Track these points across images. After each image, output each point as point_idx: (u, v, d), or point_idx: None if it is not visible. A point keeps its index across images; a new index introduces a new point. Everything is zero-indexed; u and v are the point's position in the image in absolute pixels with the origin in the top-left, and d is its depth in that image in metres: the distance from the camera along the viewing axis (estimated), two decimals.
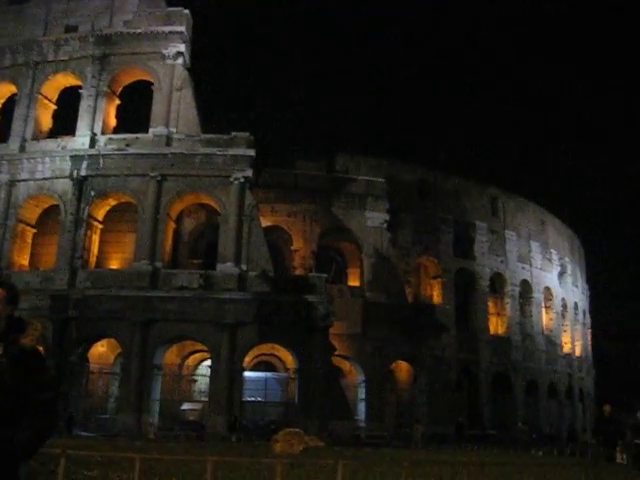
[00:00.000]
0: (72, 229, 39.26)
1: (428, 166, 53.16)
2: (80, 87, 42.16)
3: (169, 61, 41.48)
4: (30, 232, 41.98)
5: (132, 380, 36.61)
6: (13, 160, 40.62)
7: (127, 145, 40.44)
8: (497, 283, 53.49)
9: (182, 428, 37.45)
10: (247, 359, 39.30)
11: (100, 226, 41.57)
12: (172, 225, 41.43)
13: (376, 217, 45.57)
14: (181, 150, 39.82)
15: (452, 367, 47.46)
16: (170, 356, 40.63)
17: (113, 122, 43.04)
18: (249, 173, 39.48)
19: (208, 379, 38.94)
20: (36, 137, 41.78)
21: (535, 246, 56.93)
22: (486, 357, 49.92)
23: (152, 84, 41.76)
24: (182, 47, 41.78)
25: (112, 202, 41.51)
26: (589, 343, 66.97)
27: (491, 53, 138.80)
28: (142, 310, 36.98)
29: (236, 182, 39.23)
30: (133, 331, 37.03)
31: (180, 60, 41.70)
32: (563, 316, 60.18)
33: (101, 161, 39.99)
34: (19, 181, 40.68)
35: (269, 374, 43.88)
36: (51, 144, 41.31)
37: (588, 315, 67.73)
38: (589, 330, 67.34)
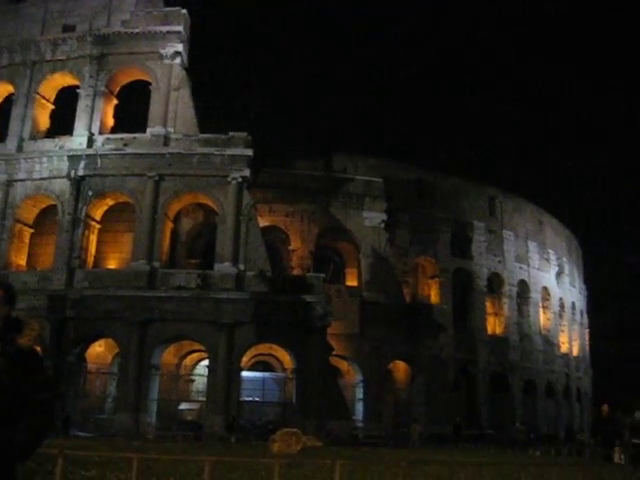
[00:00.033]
0: (70, 229, 39.22)
1: (426, 166, 53.23)
2: (78, 87, 42.11)
3: (167, 61, 41.46)
4: (28, 232, 41.94)
5: (130, 380, 36.58)
6: (10, 160, 40.56)
7: (125, 145, 40.41)
8: (495, 283, 53.52)
9: (180, 428, 37.42)
10: (245, 359, 39.28)
11: (98, 226, 41.54)
12: (170, 225, 41.41)
13: (374, 217, 45.61)
14: (179, 150, 39.80)
15: (450, 367, 47.50)
16: (168, 356, 40.61)
17: (111, 122, 43.00)
18: (247, 173, 39.47)
19: (206, 379, 38.93)
20: (33, 137, 41.73)
21: (533, 246, 56.99)
22: (484, 357, 49.96)
23: (150, 84, 41.72)
24: (180, 47, 41.75)
25: (110, 202, 41.48)
26: (586, 343, 67.08)
27: (491, 53, 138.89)
28: (140, 310, 36.95)
29: (234, 182, 39.22)
30: (131, 331, 37.00)
31: (178, 60, 41.68)
32: (560, 316, 60.25)
33: (99, 161, 39.94)
34: (16, 181, 40.62)
35: (267, 374, 43.87)
36: (49, 144, 41.25)
37: (585, 315, 67.84)
38: (586, 330, 67.46)
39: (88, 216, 40.18)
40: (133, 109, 44.40)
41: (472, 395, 48.92)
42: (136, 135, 40.85)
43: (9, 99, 43.03)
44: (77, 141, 40.61)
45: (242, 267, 38.25)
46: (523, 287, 55.46)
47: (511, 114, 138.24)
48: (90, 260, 40.57)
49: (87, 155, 39.91)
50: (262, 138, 43.40)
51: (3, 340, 4.19)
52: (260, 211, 42.40)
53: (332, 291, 41.62)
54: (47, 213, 41.73)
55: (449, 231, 50.32)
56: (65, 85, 43.44)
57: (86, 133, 40.56)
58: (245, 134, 40.27)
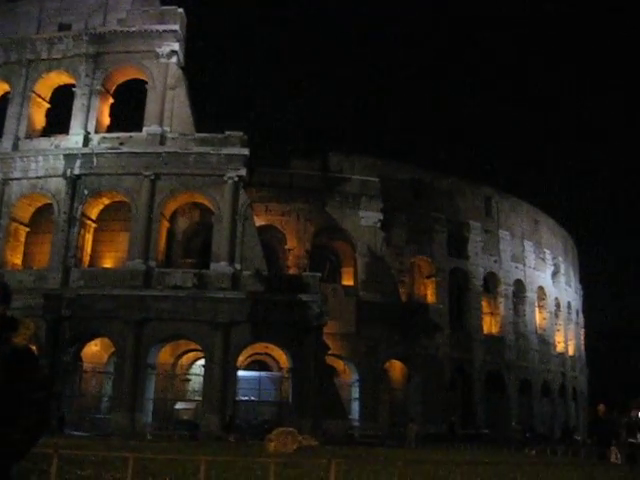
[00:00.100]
0: (65, 228, 39.14)
1: (422, 166, 53.22)
2: (74, 85, 42.02)
3: (163, 60, 41.39)
4: (23, 231, 41.85)
5: (125, 379, 36.53)
6: (6, 159, 40.47)
7: (121, 144, 40.35)
8: (491, 283, 53.61)
9: (176, 427, 37.39)
10: (241, 358, 39.28)
11: (94, 225, 41.46)
12: (166, 224, 41.35)
13: (370, 216, 45.62)
14: (175, 149, 39.74)
15: (446, 366, 47.54)
16: (164, 355, 40.56)
17: (107, 121, 42.92)
18: (243, 172, 39.44)
19: (202, 378, 38.92)
20: (29, 136, 41.63)
21: (529, 246, 57.08)
22: (480, 356, 50.02)
23: (146, 83, 41.66)
24: (176, 46, 41.69)
25: (106, 201, 41.41)
26: (582, 342, 67.22)
27: (491, 53, 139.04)
28: (136, 309, 36.90)
29: (230, 181, 39.19)
30: (127, 330, 36.94)
31: (174, 59, 41.62)
32: (556, 315, 60.38)
33: (95, 160, 39.87)
34: (12, 180, 40.52)
35: (263, 373, 43.88)
36: (44, 143, 41.17)
37: (581, 314, 68.00)
38: (582, 329, 67.60)
39: (84, 215, 40.10)
40: (129, 108, 44.33)
41: (468, 394, 48.97)
42: (132, 134, 40.79)
43: (5, 98, 42.92)
44: (73, 140, 40.53)
45: (238, 266, 38.22)
46: (519, 287, 55.55)
47: (509, 114, 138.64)
48: (86, 259, 40.50)
49: (83, 154, 39.83)
50: (258, 137, 43.46)
51: None
52: (256, 210, 42.38)
53: (328, 290, 41.61)
54: (43, 212, 41.65)
55: (445, 231, 50.36)
56: (61, 84, 43.34)
57: (82, 132, 40.47)
58: (241, 133, 40.24)
